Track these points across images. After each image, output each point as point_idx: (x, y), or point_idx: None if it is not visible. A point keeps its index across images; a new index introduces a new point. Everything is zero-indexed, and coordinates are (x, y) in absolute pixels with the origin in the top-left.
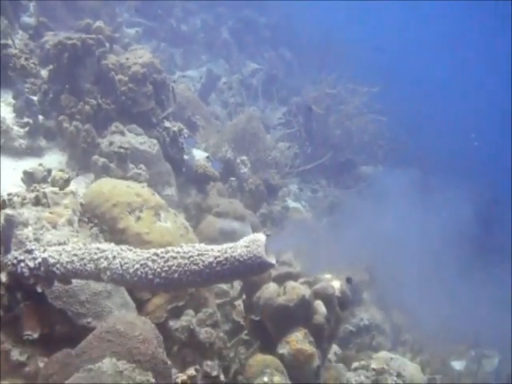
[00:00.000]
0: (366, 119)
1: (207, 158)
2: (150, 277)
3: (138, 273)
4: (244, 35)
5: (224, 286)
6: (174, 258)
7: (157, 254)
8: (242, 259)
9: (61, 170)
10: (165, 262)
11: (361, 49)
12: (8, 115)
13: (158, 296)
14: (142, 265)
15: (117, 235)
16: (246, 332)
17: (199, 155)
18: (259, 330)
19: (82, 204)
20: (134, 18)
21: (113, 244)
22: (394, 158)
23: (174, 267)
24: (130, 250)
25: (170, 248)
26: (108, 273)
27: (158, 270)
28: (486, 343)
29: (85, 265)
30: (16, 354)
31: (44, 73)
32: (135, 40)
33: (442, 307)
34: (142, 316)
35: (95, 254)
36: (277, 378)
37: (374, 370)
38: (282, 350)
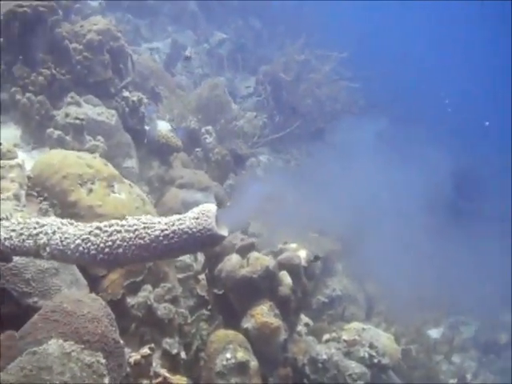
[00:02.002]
0: (338, 86)
1: (172, 128)
2: (93, 252)
3: (80, 248)
4: (212, 5)
5: (187, 259)
6: (118, 231)
7: (100, 228)
8: (190, 232)
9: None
10: (108, 236)
11: (333, 18)
12: None
13: (113, 272)
14: (83, 240)
15: (68, 209)
16: (209, 307)
17: (163, 126)
18: (223, 304)
19: (30, 177)
20: None
21: (53, 218)
22: (365, 124)
23: (118, 242)
24: (72, 224)
25: (113, 221)
26: (48, 249)
27: (101, 245)
28: (464, 310)
29: (23, 241)
30: None
31: None
32: (99, 12)
33: (417, 275)
34: (98, 293)
35: (34, 228)
36: (240, 354)
37: (345, 341)
38: (247, 323)
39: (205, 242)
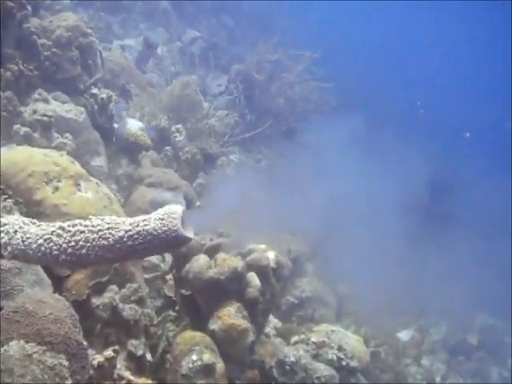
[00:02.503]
0: (310, 87)
1: (142, 126)
2: (55, 253)
3: (42, 248)
4: (184, 3)
5: (154, 260)
6: (82, 232)
7: (63, 228)
8: (155, 233)
9: None
10: (71, 236)
11: (306, 17)
12: None
13: (78, 272)
14: (45, 240)
15: (33, 207)
16: (176, 308)
17: (133, 124)
18: (190, 305)
19: None
20: None
21: (16, 216)
22: (338, 124)
23: (81, 242)
24: (34, 224)
25: (77, 221)
26: (9, 248)
27: (64, 245)
28: (434, 312)
29: None
30: None
31: None
32: (71, 9)
33: (388, 277)
34: (62, 293)
35: None
36: (206, 356)
37: (314, 343)
38: (214, 325)
39: (170, 243)
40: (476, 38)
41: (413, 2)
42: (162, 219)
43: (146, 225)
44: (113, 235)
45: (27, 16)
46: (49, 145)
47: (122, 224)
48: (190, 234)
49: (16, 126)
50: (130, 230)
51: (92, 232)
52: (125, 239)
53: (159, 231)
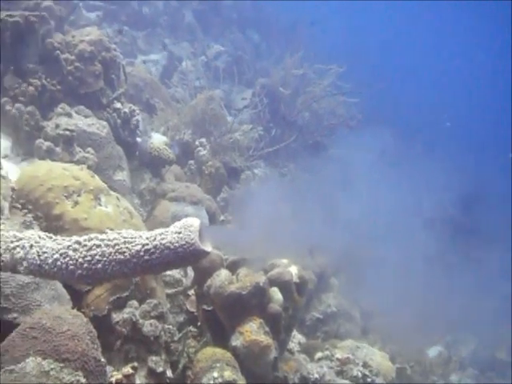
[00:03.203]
0: (336, 101)
1: (166, 141)
2: (71, 268)
3: (58, 263)
4: (209, 17)
5: (176, 275)
6: (98, 246)
7: (79, 242)
8: (172, 247)
9: None
10: (87, 250)
11: (329, 31)
12: None
13: (98, 287)
14: (61, 254)
15: (53, 222)
16: (198, 324)
17: (157, 138)
18: (212, 320)
19: (14, 189)
20: (94, 1)
21: (32, 231)
22: (365, 138)
23: (97, 257)
24: (50, 238)
25: (93, 235)
26: (25, 263)
27: (80, 259)
28: (462, 328)
29: (0, 255)
30: None
31: None
32: (96, 24)
33: (415, 293)
34: (82, 309)
35: (11, 242)
36: (227, 373)
37: (338, 359)
38: (235, 341)
39: (187, 257)
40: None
41: (437, 13)
42: (180, 232)
43: (163, 238)
44: (129, 249)
45: (50, 31)
46: (71, 159)
47: (139, 238)
48: (207, 247)
49: (38, 141)
50: (147, 244)
51: (108, 246)
52: (141, 253)
53: (176, 245)
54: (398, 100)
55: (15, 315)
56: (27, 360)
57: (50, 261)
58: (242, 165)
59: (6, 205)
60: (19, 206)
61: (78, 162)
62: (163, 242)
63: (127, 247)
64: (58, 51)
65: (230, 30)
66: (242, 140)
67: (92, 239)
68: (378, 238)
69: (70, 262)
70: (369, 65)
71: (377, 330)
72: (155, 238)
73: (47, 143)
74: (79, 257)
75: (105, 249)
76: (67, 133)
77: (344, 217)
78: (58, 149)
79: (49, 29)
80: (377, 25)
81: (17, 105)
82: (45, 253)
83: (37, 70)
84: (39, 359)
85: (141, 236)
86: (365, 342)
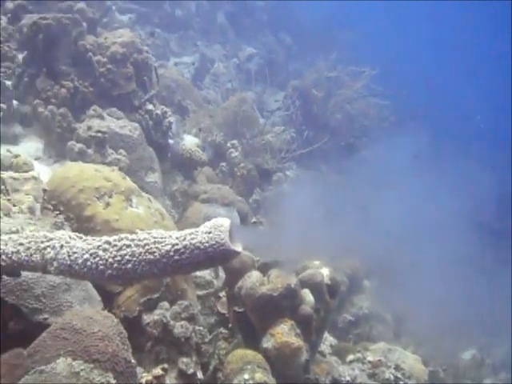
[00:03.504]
0: (368, 103)
1: (198, 143)
2: (101, 268)
3: (88, 263)
4: (241, 19)
5: (207, 276)
6: (128, 246)
7: (109, 243)
8: (202, 247)
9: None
10: (117, 250)
11: (361, 33)
12: None
13: (129, 288)
14: (91, 254)
15: (84, 223)
16: (229, 325)
17: (189, 140)
18: (243, 322)
19: (46, 190)
20: (127, 4)
21: (62, 231)
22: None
23: (127, 257)
24: (80, 238)
25: (123, 235)
26: (55, 264)
27: (110, 260)
28: (496, 331)
29: (31, 255)
30: None
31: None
32: (128, 26)
33: (450, 296)
34: (113, 310)
35: (42, 242)
36: (258, 375)
37: (370, 362)
38: (267, 343)
39: (217, 257)
40: None
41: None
42: (210, 232)
43: (193, 238)
44: (159, 249)
45: (83, 33)
46: (103, 161)
47: (169, 238)
48: (238, 247)
49: (70, 143)
50: (177, 244)
51: (138, 246)
52: (171, 253)
53: (206, 245)
54: (431, 101)
55: (46, 316)
56: (58, 361)
57: (80, 261)
58: (274, 166)
59: (37, 206)
60: (51, 207)
61: (110, 164)
62: (193, 241)
63: (157, 247)
64: (90, 53)
65: (262, 33)
66: (274, 142)
67: (122, 239)
68: (412, 239)
69: (100, 262)
70: (401, 67)
71: (410, 332)
72: (185, 238)
73: (79, 145)
74: (109, 257)
75: (135, 249)
76: (99, 135)
77: (377, 218)
78: (90, 151)
79: (81, 31)
80: (408, 26)
81: (49, 107)
82: (75, 253)
83: (69, 72)
84: (69, 360)
85: (171, 236)
86: (397, 345)
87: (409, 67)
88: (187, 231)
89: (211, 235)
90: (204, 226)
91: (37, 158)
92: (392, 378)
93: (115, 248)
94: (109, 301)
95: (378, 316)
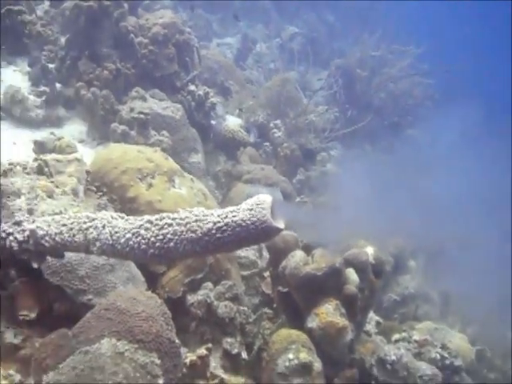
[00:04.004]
0: (413, 81)
1: (241, 123)
2: (143, 247)
3: (130, 243)
4: None
5: (252, 256)
6: (170, 224)
7: (150, 222)
8: (244, 224)
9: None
10: (159, 229)
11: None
12: (24, 84)
13: (173, 269)
14: (133, 234)
15: (127, 204)
16: (274, 305)
17: (232, 121)
18: (287, 302)
19: (89, 172)
20: None
21: (104, 212)
22: (444, 118)
23: (169, 235)
24: (122, 218)
25: (165, 214)
26: (97, 244)
27: (152, 239)
28: None
29: (74, 236)
30: (9, 337)
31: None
32: (170, 8)
33: (499, 275)
34: (157, 291)
35: (84, 223)
36: (303, 355)
37: (416, 341)
38: (311, 323)
39: (259, 234)
40: None
41: None
42: (251, 209)
43: (234, 216)
44: (201, 227)
45: (124, 14)
46: (146, 142)
47: (211, 216)
48: (280, 224)
49: (113, 125)
50: (219, 222)
51: (180, 225)
52: (213, 231)
53: (248, 222)
54: (477, 80)
55: (90, 297)
56: (102, 341)
57: (122, 240)
58: (318, 146)
59: (80, 188)
60: (94, 189)
61: (152, 145)
62: (235, 219)
63: (199, 225)
64: (132, 35)
65: (304, 11)
66: (318, 121)
67: (164, 218)
68: (461, 219)
69: (142, 241)
70: (447, 45)
71: (457, 312)
72: (227, 216)
73: (122, 127)
74: (151, 236)
75: (176, 227)
76: (142, 116)
77: (425, 198)
78: (132, 132)
79: (123, 12)
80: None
81: (92, 89)
82: (117, 232)
83: (111, 54)
84: (114, 340)
85: (212, 214)
86: (444, 324)
87: (457, 44)
88: (229, 209)
89: (253, 212)
90: (246, 203)
91: (81, 141)
92: (438, 357)
93: (157, 227)
94: (152, 281)
95: (424, 295)
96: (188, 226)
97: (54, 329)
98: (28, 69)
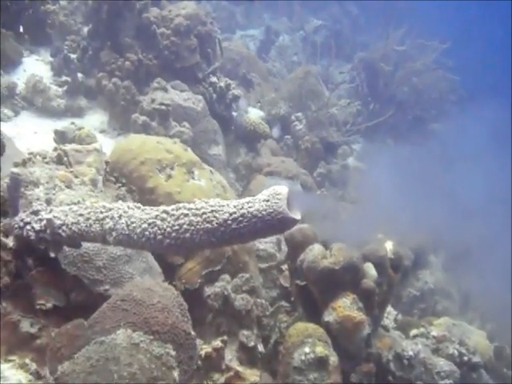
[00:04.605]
0: (437, 76)
1: (263, 116)
2: (159, 237)
3: (146, 233)
4: None
5: (270, 249)
6: (186, 215)
7: (167, 212)
8: (260, 215)
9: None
10: (175, 220)
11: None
12: (46, 74)
13: (191, 260)
14: (149, 224)
15: (146, 195)
16: (291, 298)
17: (254, 113)
18: (305, 296)
19: (108, 162)
20: None
21: (121, 202)
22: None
23: (185, 226)
24: (138, 208)
25: (181, 204)
26: (114, 234)
27: (168, 229)
28: None
29: (90, 226)
30: (26, 326)
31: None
32: None
33: None
34: (175, 282)
35: (101, 213)
36: (319, 349)
37: (434, 337)
38: (328, 317)
39: (275, 225)
40: None
41: None
42: (267, 200)
43: (250, 207)
44: (217, 218)
45: (147, 5)
46: (166, 134)
47: (227, 206)
48: (296, 215)
49: (134, 115)
50: (235, 213)
51: (196, 215)
52: (229, 222)
53: (264, 213)
54: (505, 78)
55: (107, 287)
56: (117, 332)
57: (138, 230)
58: (339, 140)
59: (99, 178)
60: (113, 180)
61: (173, 137)
62: (251, 210)
63: (215, 216)
64: (154, 26)
65: (328, 4)
66: (340, 114)
67: (180, 208)
68: (484, 216)
69: (158, 231)
70: (474, 41)
71: (476, 308)
72: (243, 207)
73: (143, 117)
74: (167, 226)
75: (192, 218)
76: (163, 107)
77: (448, 193)
78: (153, 123)
79: (146, 3)
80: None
81: (113, 79)
82: (133, 223)
83: (133, 44)
84: (129, 331)
85: (228, 204)
86: (463, 320)
87: (483, 40)
88: (245, 199)
89: (269, 203)
90: (262, 193)
91: (102, 131)
92: (456, 353)
93: (173, 217)
94: (170, 273)
95: (443, 291)
96: (204, 216)
97: (71, 319)
98: (50, 59)
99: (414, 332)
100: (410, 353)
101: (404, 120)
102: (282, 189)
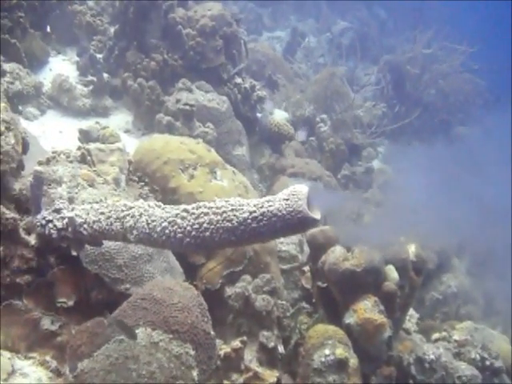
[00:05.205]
0: (463, 79)
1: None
2: (179, 236)
3: (166, 231)
4: None
5: (292, 250)
6: (206, 214)
7: (187, 211)
8: (280, 214)
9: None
10: (195, 218)
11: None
12: (72, 73)
13: (212, 260)
14: (170, 222)
15: (168, 195)
16: (312, 300)
17: (279, 114)
18: (326, 297)
19: (131, 162)
20: None
21: (142, 200)
22: (496, 116)
23: (205, 224)
24: (159, 207)
25: (201, 203)
26: (134, 232)
27: (188, 228)
28: None
29: (111, 224)
30: (47, 323)
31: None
32: (220, 0)
33: None
34: (196, 282)
35: (122, 211)
36: (339, 351)
37: (456, 341)
38: (349, 319)
39: (295, 224)
40: None
41: None
42: (287, 199)
43: (270, 206)
44: (237, 217)
45: (173, 6)
46: (190, 134)
47: (247, 205)
48: (316, 215)
49: (159, 115)
50: (255, 212)
51: (216, 214)
52: (249, 221)
53: (284, 212)
54: None
55: (127, 286)
56: (137, 330)
57: (158, 229)
58: (364, 142)
59: (122, 177)
60: (136, 179)
61: (197, 137)
62: (270, 209)
63: (235, 215)
64: (180, 26)
65: (356, 7)
66: (365, 117)
67: (200, 207)
68: (508, 220)
69: (179, 230)
70: (501, 43)
71: (499, 313)
72: (263, 206)
73: (167, 118)
74: (187, 225)
75: (212, 216)
76: (187, 108)
77: (472, 196)
78: (178, 123)
79: (171, 4)
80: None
81: (139, 79)
82: (154, 221)
83: (159, 45)
84: (149, 330)
85: (248, 203)
86: (486, 325)
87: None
88: (265, 198)
89: (289, 202)
90: (282, 193)
91: (126, 131)
92: (478, 357)
93: (193, 216)
94: (191, 273)
95: (467, 295)
96: (224, 215)
97: (91, 317)
98: (76, 58)
99: (436, 336)
100: (432, 356)
101: (430, 123)
102: (302, 188)
